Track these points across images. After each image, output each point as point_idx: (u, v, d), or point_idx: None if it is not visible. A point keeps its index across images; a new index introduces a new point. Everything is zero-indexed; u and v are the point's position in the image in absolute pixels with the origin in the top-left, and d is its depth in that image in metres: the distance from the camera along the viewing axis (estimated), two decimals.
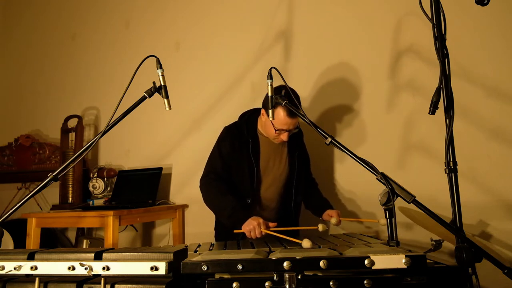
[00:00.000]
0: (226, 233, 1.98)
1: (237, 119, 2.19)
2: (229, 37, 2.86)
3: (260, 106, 2.03)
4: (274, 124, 1.92)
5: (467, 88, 2.19)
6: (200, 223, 2.25)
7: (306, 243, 1.42)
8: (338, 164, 2.50)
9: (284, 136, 1.96)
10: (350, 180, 2.46)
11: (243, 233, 1.81)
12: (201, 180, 2.06)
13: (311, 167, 2.30)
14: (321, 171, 2.47)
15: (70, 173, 2.96)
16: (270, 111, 1.64)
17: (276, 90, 1.79)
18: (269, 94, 1.60)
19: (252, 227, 1.77)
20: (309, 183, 2.25)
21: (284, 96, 1.69)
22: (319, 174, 2.36)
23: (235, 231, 1.83)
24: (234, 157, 2.04)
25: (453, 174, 1.23)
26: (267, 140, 2.08)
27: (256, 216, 1.83)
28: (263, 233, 1.75)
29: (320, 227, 1.79)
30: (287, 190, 2.12)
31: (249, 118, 2.13)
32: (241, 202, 1.98)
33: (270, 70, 1.58)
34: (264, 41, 2.74)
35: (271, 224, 1.79)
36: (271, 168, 2.09)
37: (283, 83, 1.70)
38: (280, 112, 1.87)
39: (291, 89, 1.79)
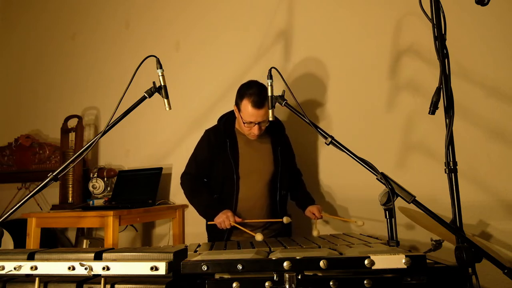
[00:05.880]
0: (216, 234, 2.06)
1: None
2: (229, 37, 2.86)
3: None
4: (243, 117, 1.96)
5: (467, 88, 2.18)
6: (200, 223, 2.25)
7: (258, 236, 1.73)
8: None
9: (255, 130, 1.97)
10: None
11: (228, 231, 2.01)
12: (180, 178, 2.20)
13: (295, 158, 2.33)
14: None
15: (70, 173, 2.96)
16: (270, 111, 1.63)
17: (245, 86, 1.97)
18: (269, 94, 1.60)
19: (221, 219, 1.94)
20: (294, 175, 2.27)
21: (283, 96, 1.68)
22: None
23: (208, 222, 2.05)
24: (212, 160, 2.09)
25: (453, 174, 1.23)
26: (247, 139, 2.09)
27: (226, 210, 1.99)
28: (231, 225, 1.94)
29: (285, 219, 2.02)
30: (273, 185, 2.13)
31: (227, 119, 2.17)
32: (222, 204, 2.05)
33: (270, 70, 1.58)
34: (264, 41, 2.74)
35: (237, 219, 1.97)
36: (255, 167, 2.10)
37: (283, 83, 1.69)
38: (247, 105, 1.90)
39: (262, 85, 1.90)
